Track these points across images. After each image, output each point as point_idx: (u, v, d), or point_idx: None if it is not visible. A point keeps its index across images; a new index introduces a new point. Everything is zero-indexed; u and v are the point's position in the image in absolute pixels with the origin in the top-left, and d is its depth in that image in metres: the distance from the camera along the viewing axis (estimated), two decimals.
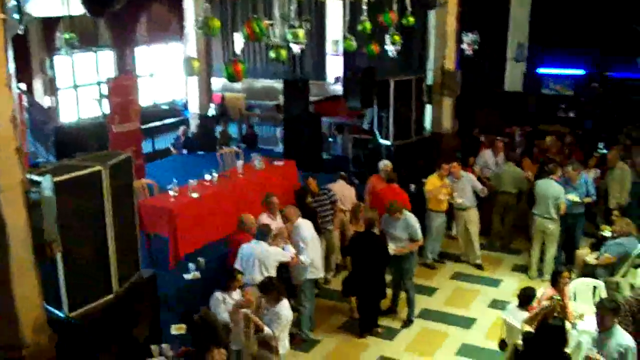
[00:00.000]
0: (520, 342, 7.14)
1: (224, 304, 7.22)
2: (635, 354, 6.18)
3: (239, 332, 7.28)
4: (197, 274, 9.13)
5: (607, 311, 6.24)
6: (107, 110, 13.20)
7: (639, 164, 12.99)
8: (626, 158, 13.00)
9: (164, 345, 7.03)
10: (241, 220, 8.96)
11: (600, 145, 15.07)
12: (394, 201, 9.76)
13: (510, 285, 11.15)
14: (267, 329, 7.04)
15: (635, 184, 12.98)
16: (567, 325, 7.66)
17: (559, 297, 7.38)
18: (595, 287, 9.11)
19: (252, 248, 8.33)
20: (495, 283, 11.32)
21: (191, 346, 6.80)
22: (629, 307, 7.86)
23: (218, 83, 21.31)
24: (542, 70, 20.04)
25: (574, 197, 10.98)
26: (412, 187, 12.23)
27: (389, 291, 9.88)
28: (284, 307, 7.23)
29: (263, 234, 8.45)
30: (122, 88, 13.04)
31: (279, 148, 16.59)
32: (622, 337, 6.21)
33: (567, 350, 7.24)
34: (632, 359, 6.10)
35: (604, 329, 6.27)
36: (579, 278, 9.55)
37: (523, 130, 16.06)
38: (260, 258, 8.25)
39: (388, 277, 9.87)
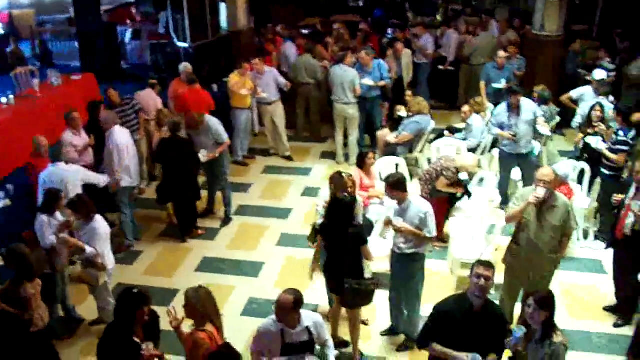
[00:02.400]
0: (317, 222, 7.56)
1: (49, 227, 6.98)
2: (433, 216, 6.77)
3: (64, 253, 7.15)
4: (8, 202, 8.70)
5: (390, 186, 6.70)
6: None
7: (423, 47, 13.92)
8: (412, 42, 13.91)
9: None
10: (33, 142, 8.43)
11: (389, 31, 15.77)
12: (190, 116, 9.64)
13: (320, 172, 11.66)
14: (88, 248, 6.90)
15: (423, 65, 13.92)
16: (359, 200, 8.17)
17: (349, 174, 7.77)
18: (397, 165, 9.76)
19: (50, 173, 7.92)
20: (305, 172, 11.78)
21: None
22: (429, 177, 8.55)
23: (3, 0, 19.73)
24: None
25: (368, 81, 11.50)
26: (215, 87, 12.22)
27: (204, 193, 10.02)
28: (99, 222, 7.10)
29: (57, 154, 8.08)
30: None
31: (76, 62, 15.78)
32: (419, 204, 6.73)
33: (378, 225, 7.78)
34: (431, 221, 6.68)
35: (399, 202, 6.79)
36: (382, 157, 10.17)
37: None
38: (62, 180, 7.90)
39: (202, 179, 9.97)
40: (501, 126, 9.51)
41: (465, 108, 10.84)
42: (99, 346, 5.27)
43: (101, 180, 8.47)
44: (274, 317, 5.40)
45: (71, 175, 8.01)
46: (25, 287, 6.00)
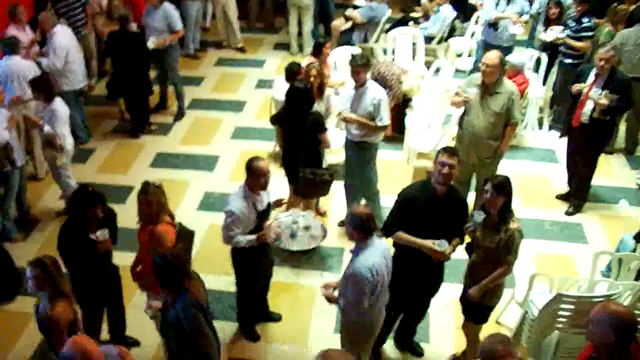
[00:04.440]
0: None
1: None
2: (387, 104, 6.73)
3: (19, 144, 7.08)
4: None
5: (359, 67, 6.57)
6: None
7: None
8: None
9: None
10: None
11: None
12: None
13: (274, 63, 11.44)
14: (46, 127, 6.86)
15: None
16: (328, 91, 8.05)
17: (316, 63, 7.63)
18: (352, 55, 9.55)
19: (5, 66, 7.64)
20: (259, 64, 11.54)
21: None
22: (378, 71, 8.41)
23: None
24: None
25: None
26: None
27: (156, 88, 9.76)
28: (58, 104, 6.99)
29: (12, 46, 7.75)
30: None
31: None
32: (374, 91, 6.64)
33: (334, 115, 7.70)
34: (384, 109, 6.62)
35: (359, 85, 6.66)
36: (337, 47, 9.96)
37: None
38: (17, 74, 7.61)
39: (153, 74, 9.70)
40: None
41: None
42: (58, 245, 5.20)
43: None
44: (238, 194, 5.33)
45: (27, 69, 7.70)
46: None
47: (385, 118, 6.64)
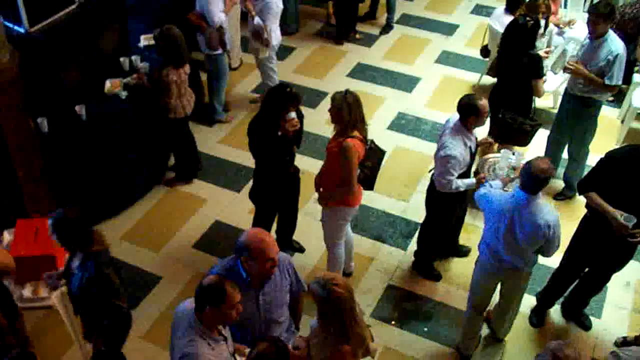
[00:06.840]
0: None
1: (218, 3, 6.83)
2: (623, 62, 5.84)
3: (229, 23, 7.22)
4: None
5: (599, 16, 5.71)
6: None
7: None
8: None
9: (134, 57, 6.56)
10: None
11: None
12: None
13: None
14: (257, 18, 6.92)
15: None
16: (552, 27, 7.34)
17: None
18: None
19: None
20: None
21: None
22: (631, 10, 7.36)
23: None
24: None
25: None
26: None
27: None
28: None
29: None
30: None
31: None
32: (613, 45, 5.79)
33: (551, 56, 7.04)
34: (619, 65, 5.78)
35: (596, 35, 5.83)
36: None
37: None
38: None
39: None
40: None
41: None
42: (248, 137, 5.19)
43: None
44: (452, 135, 5.00)
45: None
46: (168, 72, 5.87)
47: (616, 77, 5.83)
